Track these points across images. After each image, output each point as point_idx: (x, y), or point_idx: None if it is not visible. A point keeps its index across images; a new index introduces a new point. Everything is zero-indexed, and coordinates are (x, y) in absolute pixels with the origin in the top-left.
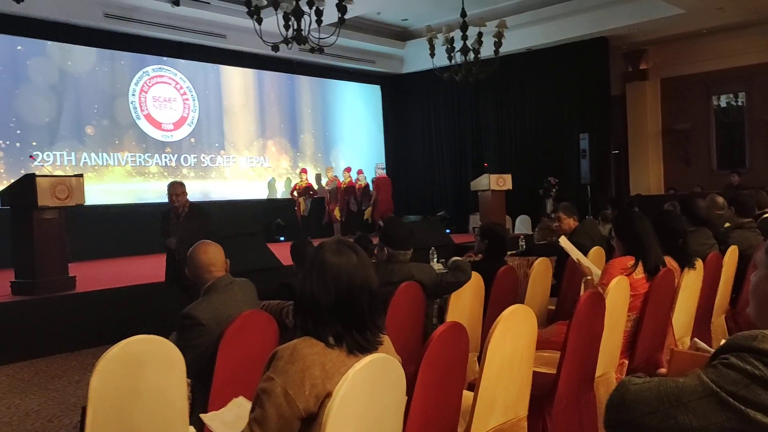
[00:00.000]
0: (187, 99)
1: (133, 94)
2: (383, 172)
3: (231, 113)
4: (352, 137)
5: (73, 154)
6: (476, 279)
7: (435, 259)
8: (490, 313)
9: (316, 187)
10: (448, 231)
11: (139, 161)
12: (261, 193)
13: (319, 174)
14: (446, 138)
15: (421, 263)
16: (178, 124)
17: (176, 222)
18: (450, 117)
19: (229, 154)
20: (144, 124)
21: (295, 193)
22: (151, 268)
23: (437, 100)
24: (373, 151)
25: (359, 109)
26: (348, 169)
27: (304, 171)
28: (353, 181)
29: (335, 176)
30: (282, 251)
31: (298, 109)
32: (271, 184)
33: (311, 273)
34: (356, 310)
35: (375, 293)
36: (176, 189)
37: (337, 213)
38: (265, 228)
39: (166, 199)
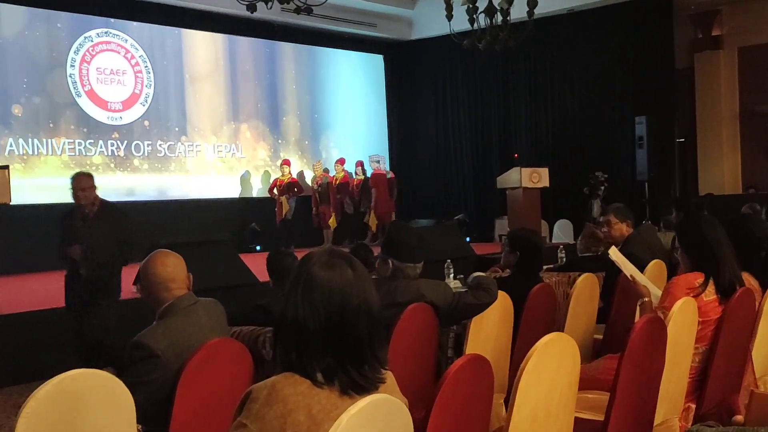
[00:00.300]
0: (139, 72)
1: (73, 66)
2: (379, 166)
3: (195, 90)
4: (347, 121)
5: None
6: (503, 300)
7: (451, 275)
8: (521, 344)
9: (305, 183)
10: (468, 239)
11: (80, 150)
12: (232, 191)
13: (302, 171)
14: (466, 122)
15: (434, 280)
16: (128, 104)
17: (82, 225)
18: (471, 95)
19: (192, 141)
20: (86, 103)
21: (276, 191)
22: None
23: (455, 75)
24: (373, 138)
25: (356, 85)
26: (341, 161)
27: (286, 163)
28: (348, 176)
29: (326, 170)
30: (258, 264)
31: (280, 85)
32: (245, 180)
33: (295, 291)
34: (352, 339)
35: (376, 317)
36: (82, 182)
37: (330, 217)
38: (237, 234)
39: (114, 198)
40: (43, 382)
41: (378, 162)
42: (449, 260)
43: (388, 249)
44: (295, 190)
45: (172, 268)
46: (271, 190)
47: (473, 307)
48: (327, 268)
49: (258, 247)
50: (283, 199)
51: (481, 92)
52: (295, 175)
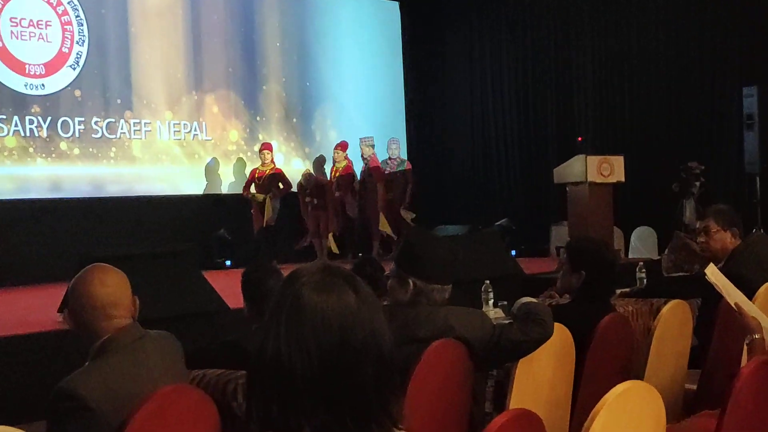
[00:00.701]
0: (68, 23)
1: None
2: (372, 152)
3: (144, 48)
4: (350, 92)
5: None
6: (561, 336)
7: (491, 301)
8: (585, 396)
9: (293, 175)
10: (513, 252)
11: None
12: (194, 185)
13: (289, 160)
14: (511, 94)
15: (467, 308)
16: (52, 66)
17: None
18: (518, 59)
19: (139, 119)
20: None
21: (253, 188)
22: (22, 308)
23: (497, 31)
24: (384, 115)
25: (363, 43)
26: (342, 146)
27: (267, 147)
28: (352, 165)
29: (321, 158)
30: (228, 284)
31: (260, 42)
32: (211, 170)
33: (277, 322)
34: (354, 387)
35: (387, 358)
36: None
37: (329, 223)
38: (200, 245)
39: (36, 194)
40: None
41: (371, 146)
42: (488, 281)
43: (409, 264)
44: (280, 186)
45: (114, 289)
46: (247, 187)
47: (520, 345)
48: (321, 290)
49: (228, 262)
50: (264, 198)
51: (533, 55)
52: (279, 165)
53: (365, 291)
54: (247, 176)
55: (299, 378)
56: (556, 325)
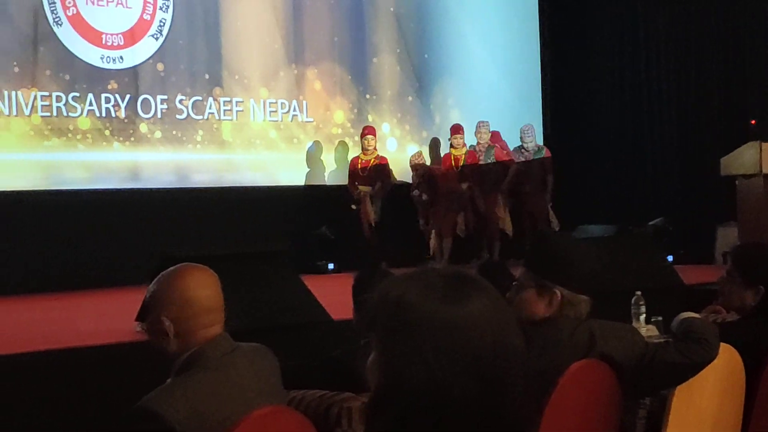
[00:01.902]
0: None
1: None
2: (488, 138)
3: (237, 15)
4: (476, 66)
5: None
6: (729, 359)
7: (642, 316)
8: (759, 430)
9: (403, 164)
10: (670, 258)
11: (59, 108)
12: (293, 175)
13: (402, 146)
14: (666, 66)
15: (614, 322)
16: (132, 36)
17: None
18: (676, 24)
19: (230, 96)
20: (68, 35)
21: (356, 183)
22: (97, 316)
23: None
24: (517, 95)
25: (493, 8)
26: (458, 129)
27: (369, 132)
28: (476, 151)
29: (436, 142)
30: (331, 290)
31: (370, 7)
32: (312, 157)
33: (395, 338)
34: (487, 410)
35: (525, 372)
36: None
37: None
38: (298, 245)
39: (112, 184)
40: None
41: (487, 129)
42: (639, 292)
43: (554, 271)
44: (381, 182)
45: (213, 291)
46: (351, 180)
47: (678, 368)
48: (442, 299)
49: (331, 266)
50: (366, 192)
51: (696, 21)
52: (392, 151)
53: (498, 297)
54: (349, 166)
55: (420, 401)
56: (724, 346)
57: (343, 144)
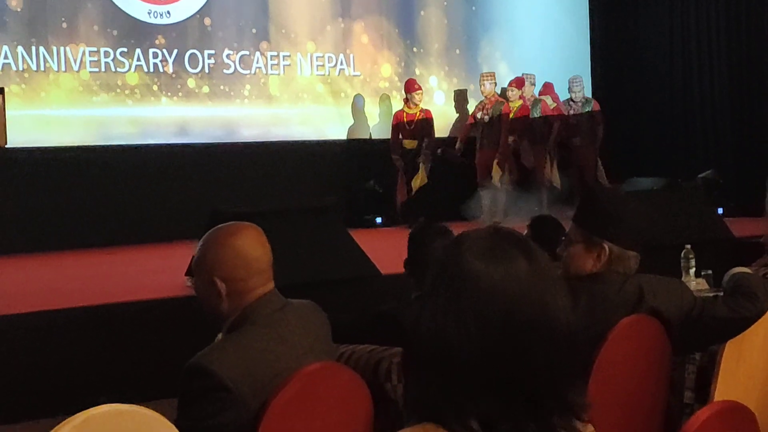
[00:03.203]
0: None
1: None
2: (532, 91)
3: None
4: (524, 18)
5: None
6: None
7: (692, 270)
8: None
9: (448, 121)
10: (720, 211)
11: (107, 63)
12: (340, 129)
13: (464, 91)
14: (719, 13)
15: (662, 276)
16: None
17: None
18: None
19: (277, 50)
20: None
21: (400, 137)
22: (146, 271)
23: None
24: (565, 46)
25: None
26: (518, 82)
27: (413, 86)
28: (528, 106)
29: (495, 95)
30: (380, 245)
31: None
32: (359, 111)
33: (436, 293)
34: (522, 372)
35: (564, 339)
36: None
37: (496, 172)
38: (346, 199)
39: (161, 138)
40: (56, 420)
41: (532, 82)
42: (689, 246)
43: (602, 226)
44: (428, 136)
45: (267, 250)
46: (394, 134)
47: (728, 324)
48: (487, 258)
49: (378, 220)
50: (416, 147)
51: None
52: (440, 105)
53: (541, 260)
54: (392, 122)
55: (458, 359)
56: None
57: (388, 97)
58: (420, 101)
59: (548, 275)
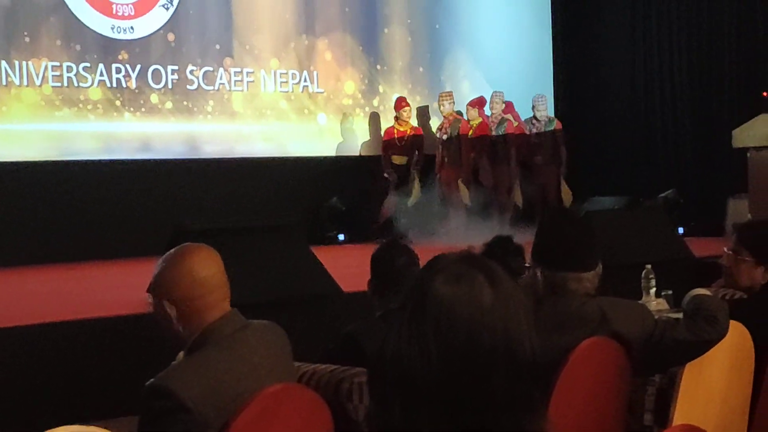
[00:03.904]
0: None
1: None
2: (501, 108)
3: None
4: (487, 37)
5: None
6: (738, 337)
7: (652, 290)
8: (765, 409)
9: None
10: (681, 230)
11: (69, 78)
12: (303, 146)
13: (426, 107)
14: (680, 36)
15: (623, 299)
16: (143, 5)
17: None
18: None
19: (241, 67)
20: (79, 5)
21: (391, 154)
22: (108, 287)
23: None
24: (528, 64)
25: None
26: (478, 102)
27: (403, 102)
28: (488, 122)
29: (459, 112)
30: (342, 262)
31: None
32: (323, 129)
33: (405, 316)
34: (481, 397)
35: (524, 363)
36: None
37: (463, 191)
38: (309, 216)
39: (123, 154)
40: None
41: (501, 100)
42: (649, 265)
43: (536, 251)
44: (419, 152)
45: (217, 270)
46: (385, 150)
47: (688, 346)
48: (453, 283)
49: (341, 237)
50: (406, 162)
51: None
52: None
53: (506, 286)
54: (383, 137)
55: (420, 381)
56: (733, 323)
57: (355, 115)
58: (409, 118)
59: (513, 302)
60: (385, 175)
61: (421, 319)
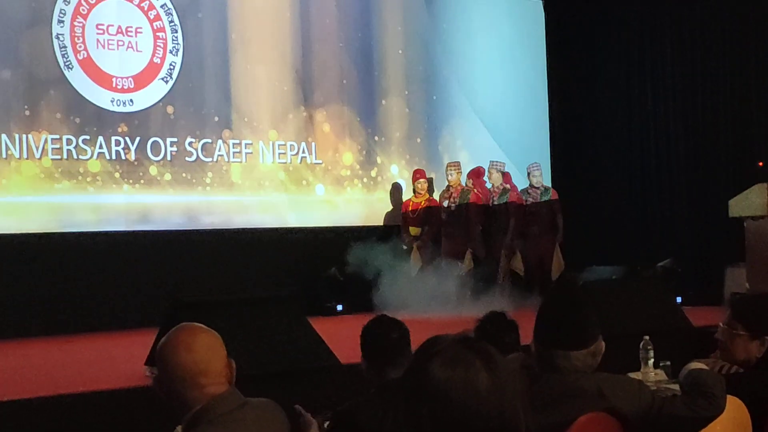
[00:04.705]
0: (161, 29)
1: (61, 21)
2: (500, 179)
3: (246, 57)
4: (484, 107)
5: None
6: (735, 412)
7: (651, 360)
8: None
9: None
10: (679, 300)
11: (69, 151)
12: (302, 216)
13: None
14: (675, 107)
15: (620, 375)
16: (143, 79)
17: None
18: (684, 66)
19: (239, 139)
20: (79, 78)
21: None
22: (106, 359)
23: (659, 32)
24: (525, 134)
25: (500, 48)
26: (476, 173)
27: (420, 174)
28: (489, 190)
29: (460, 184)
30: (340, 333)
31: (379, 48)
32: (321, 200)
33: (402, 396)
34: None
35: None
36: None
37: (467, 259)
38: (307, 287)
39: (122, 226)
40: None
41: (499, 170)
42: (647, 337)
43: (535, 327)
44: (429, 225)
45: (203, 355)
46: (403, 222)
47: (686, 422)
48: (450, 367)
49: (339, 307)
50: (419, 233)
51: (704, 61)
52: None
53: (502, 371)
54: (402, 206)
55: None
56: (730, 398)
57: (354, 186)
58: (422, 189)
59: (509, 388)
60: (403, 245)
61: (417, 401)
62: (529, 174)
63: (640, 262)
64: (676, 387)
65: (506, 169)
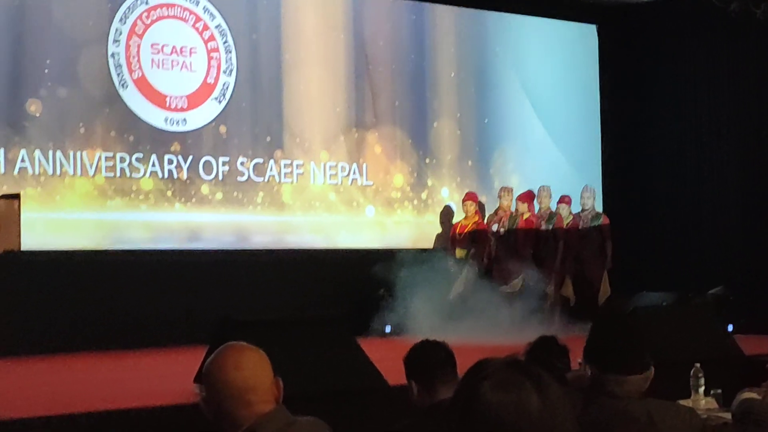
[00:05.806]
0: (215, 50)
1: (117, 41)
2: (549, 203)
3: (299, 78)
4: (536, 130)
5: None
6: None
7: (701, 388)
8: None
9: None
10: (730, 328)
11: (122, 168)
12: (352, 237)
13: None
14: (730, 131)
15: (671, 402)
16: (196, 99)
17: None
18: (740, 90)
19: (291, 159)
20: (133, 97)
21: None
22: (155, 376)
23: (714, 57)
24: (577, 158)
25: (553, 72)
26: (527, 197)
27: (470, 197)
28: (538, 215)
29: (510, 209)
30: (387, 354)
31: (431, 72)
32: (371, 221)
33: (451, 418)
34: None
35: None
36: None
37: (515, 283)
38: (356, 308)
39: (173, 244)
40: None
41: (549, 194)
42: (698, 364)
43: (587, 348)
44: (475, 247)
45: (251, 372)
46: (452, 244)
47: None
48: (501, 390)
49: (388, 328)
50: (465, 255)
51: (759, 85)
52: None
53: (553, 394)
54: (451, 230)
55: None
56: None
57: (404, 208)
58: (469, 212)
59: (560, 411)
60: (450, 269)
61: (468, 424)
62: (581, 197)
63: (692, 289)
64: (728, 416)
65: (558, 193)
